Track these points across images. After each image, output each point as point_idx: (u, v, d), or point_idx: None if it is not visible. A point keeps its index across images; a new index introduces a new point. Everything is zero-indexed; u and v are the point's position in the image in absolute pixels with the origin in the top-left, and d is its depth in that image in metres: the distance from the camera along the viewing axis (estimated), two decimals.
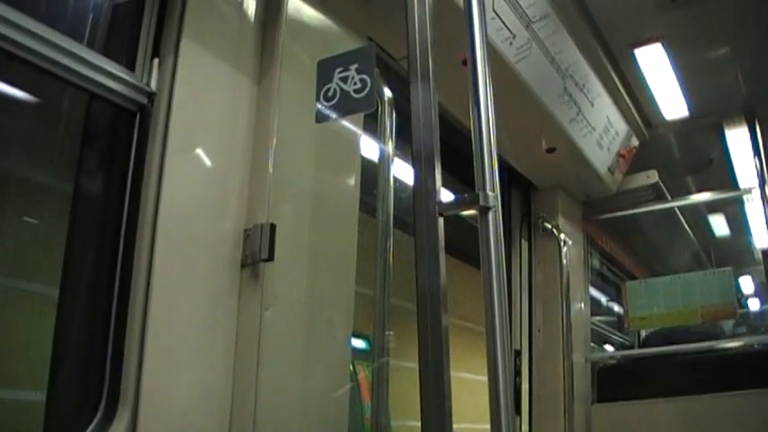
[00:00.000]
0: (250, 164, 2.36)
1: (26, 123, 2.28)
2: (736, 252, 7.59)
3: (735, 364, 4.37)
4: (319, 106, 2.13)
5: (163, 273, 2.01)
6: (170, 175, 2.07)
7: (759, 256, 6.85)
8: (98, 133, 2.21)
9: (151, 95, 2.15)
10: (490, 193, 1.72)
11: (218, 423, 2.12)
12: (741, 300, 8.05)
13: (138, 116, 2.15)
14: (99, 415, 1.90)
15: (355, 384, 3.40)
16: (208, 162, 2.23)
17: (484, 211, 1.70)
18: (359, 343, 3.30)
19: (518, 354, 4.38)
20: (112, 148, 2.18)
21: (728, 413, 3.89)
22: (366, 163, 2.79)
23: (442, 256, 1.80)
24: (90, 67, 2.00)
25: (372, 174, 2.73)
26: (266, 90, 2.42)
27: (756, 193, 4.93)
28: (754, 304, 8.71)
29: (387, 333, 2.59)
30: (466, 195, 1.76)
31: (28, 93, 2.21)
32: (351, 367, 2.90)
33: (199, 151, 2.21)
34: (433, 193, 1.81)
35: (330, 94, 2.11)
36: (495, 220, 1.71)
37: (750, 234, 6.52)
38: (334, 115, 2.12)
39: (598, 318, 6.19)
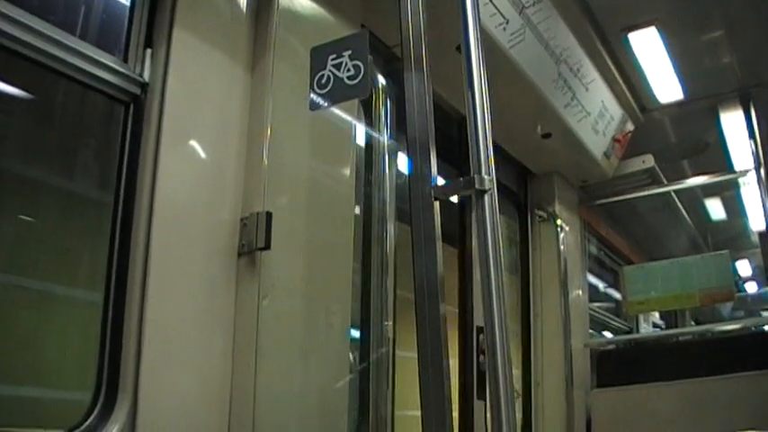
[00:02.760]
0: (245, 152, 2.36)
1: (17, 116, 2.27)
2: (733, 236, 7.59)
3: (732, 348, 4.38)
4: (313, 93, 2.12)
5: (159, 263, 2.01)
6: (165, 165, 2.07)
7: (755, 239, 6.86)
8: (91, 124, 2.21)
9: (144, 86, 2.14)
10: (485, 177, 1.71)
11: (218, 412, 2.12)
12: (738, 283, 8.06)
13: (131, 107, 2.15)
14: (99, 405, 1.90)
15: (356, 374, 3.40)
16: (202, 151, 2.23)
17: (480, 194, 1.70)
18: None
19: (481, 331, 3.93)
20: (106, 140, 2.17)
21: (727, 396, 3.90)
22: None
23: (439, 241, 1.80)
24: (82, 58, 1.99)
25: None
26: (260, 79, 2.41)
27: (752, 175, 4.94)
28: (751, 287, 8.73)
29: (386, 323, 2.59)
30: (461, 179, 1.76)
31: (18, 85, 2.19)
32: (350, 357, 2.89)
33: (193, 141, 2.20)
34: (428, 177, 1.81)
35: (324, 81, 2.09)
36: (491, 204, 1.71)
37: (746, 217, 6.53)
38: (327, 102, 2.11)
39: (597, 304, 6.20)
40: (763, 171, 4.79)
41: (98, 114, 2.26)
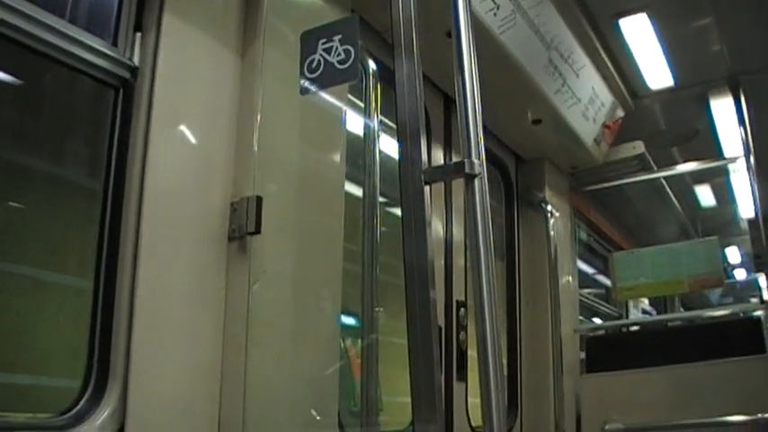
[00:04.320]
0: (235, 137, 2.35)
1: (4, 101, 2.25)
2: (723, 222, 7.63)
3: (721, 333, 4.40)
4: (303, 78, 2.11)
5: (149, 248, 2.01)
6: (155, 149, 2.06)
7: (745, 225, 6.90)
8: (80, 109, 2.19)
9: (134, 70, 2.13)
10: (476, 161, 1.72)
11: (208, 397, 2.13)
12: (727, 270, 8.10)
13: (121, 91, 2.13)
14: (89, 390, 1.90)
15: (346, 360, 3.39)
16: (192, 136, 2.22)
17: (470, 178, 1.71)
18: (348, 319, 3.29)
19: (461, 305, 3.79)
20: (95, 124, 2.16)
21: (715, 381, 3.93)
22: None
23: (429, 226, 1.80)
24: (71, 42, 1.97)
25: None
26: (250, 63, 2.41)
27: (741, 162, 4.96)
28: (740, 274, 8.78)
29: (375, 309, 2.59)
30: (452, 163, 1.77)
31: (6, 70, 2.18)
32: (341, 343, 2.89)
33: (183, 125, 2.19)
34: (419, 162, 1.81)
35: (314, 65, 2.09)
36: (481, 188, 1.71)
37: (736, 204, 6.56)
38: (317, 87, 2.11)
39: (586, 290, 6.22)
40: (752, 158, 4.80)
41: (87, 99, 2.24)
